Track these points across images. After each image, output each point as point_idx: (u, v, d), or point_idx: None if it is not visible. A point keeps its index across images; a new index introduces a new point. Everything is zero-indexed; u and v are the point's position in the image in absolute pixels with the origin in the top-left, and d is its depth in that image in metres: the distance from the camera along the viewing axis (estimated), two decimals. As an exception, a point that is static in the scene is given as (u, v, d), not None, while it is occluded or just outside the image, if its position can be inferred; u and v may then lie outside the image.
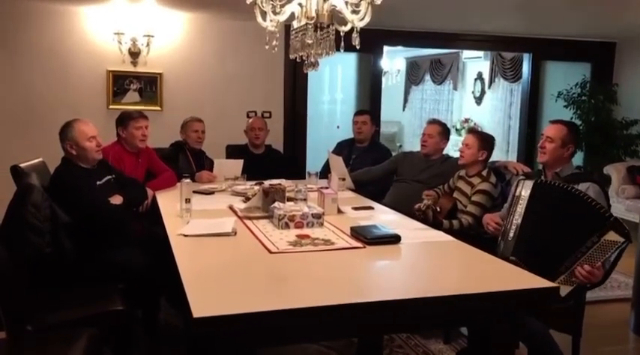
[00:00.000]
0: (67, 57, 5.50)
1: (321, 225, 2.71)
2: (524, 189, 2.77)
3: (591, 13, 5.46)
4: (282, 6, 2.58)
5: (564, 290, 2.46)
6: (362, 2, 2.44)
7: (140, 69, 5.65)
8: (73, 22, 5.48)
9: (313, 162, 5.63)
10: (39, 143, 4.96)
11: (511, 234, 2.74)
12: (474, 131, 3.70)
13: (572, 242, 2.51)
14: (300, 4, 2.54)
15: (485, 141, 3.47)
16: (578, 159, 6.64)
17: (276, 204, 2.80)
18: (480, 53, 8.82)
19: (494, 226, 2.95)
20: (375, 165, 4.35)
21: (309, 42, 2.50)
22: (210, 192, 3.67)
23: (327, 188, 3.33)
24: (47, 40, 5.43)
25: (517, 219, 2.73)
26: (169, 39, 5.73)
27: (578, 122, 6.46)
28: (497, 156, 4.15)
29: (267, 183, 3.17)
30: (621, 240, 2.44)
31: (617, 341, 3.46)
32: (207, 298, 1.77)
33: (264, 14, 2.61)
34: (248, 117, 5.67)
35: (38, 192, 2.61)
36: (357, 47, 2.43)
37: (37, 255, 2.50)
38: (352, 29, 2.50)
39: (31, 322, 2.30)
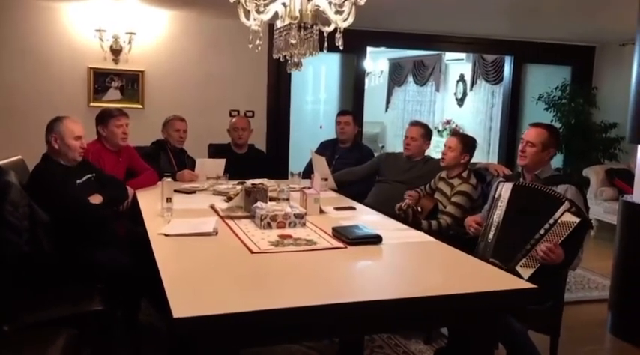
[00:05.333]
0: (47, 53, 5.43)
1: (303, 225, 2.70)
2: (504, 191, 2.81)
3: (572, 18, 5.53)
4: (265, 5, 2.58)
5: (526, 273, 2.54)
6: (346, 3, 2.44)
7: (122, 66, 5.60)
8: (53, 17, 5.41)
9: (296, 161, 5.62)
10: (17, 139, 4.90)
11: (490, 236, 2.78)
12: (456, 133, 3.73)
13: (533, 229, 2.60)
14: (283, 4, 2.54)
15: (468, 145, 3.49)
16: (557, 161, 6.72)
17: (258, 203, 2.79)
18: (463, 55, 8.89)
19: (476, 227, 2.98)
20: (358, 166, 4.36)
21: (293, 42, 2.50)
22: (192, 192, 3.65)
23: (309, 188, 3.33)
24: (26, 35, 5.36)
25: (496, 220, 2.78)
26: (152, 37, 5.69)
27: (558, 125, 6.55)
28: (478, 157, 4.18)
29: (249, 182, 3.16)
30: (576, 220, 2.52)
31: (594, 342, 3.51)
32: (187, 298, 1.75)
33: (247, 13, 2.60)
34: (231, 116, 5.65)
35: (16, 190, 2.58)
36: (341, 48, 2.43)
37: (15, 253, 2.46)
38: (336, 29, 2.50)
39: (8, 322, 2.26)
